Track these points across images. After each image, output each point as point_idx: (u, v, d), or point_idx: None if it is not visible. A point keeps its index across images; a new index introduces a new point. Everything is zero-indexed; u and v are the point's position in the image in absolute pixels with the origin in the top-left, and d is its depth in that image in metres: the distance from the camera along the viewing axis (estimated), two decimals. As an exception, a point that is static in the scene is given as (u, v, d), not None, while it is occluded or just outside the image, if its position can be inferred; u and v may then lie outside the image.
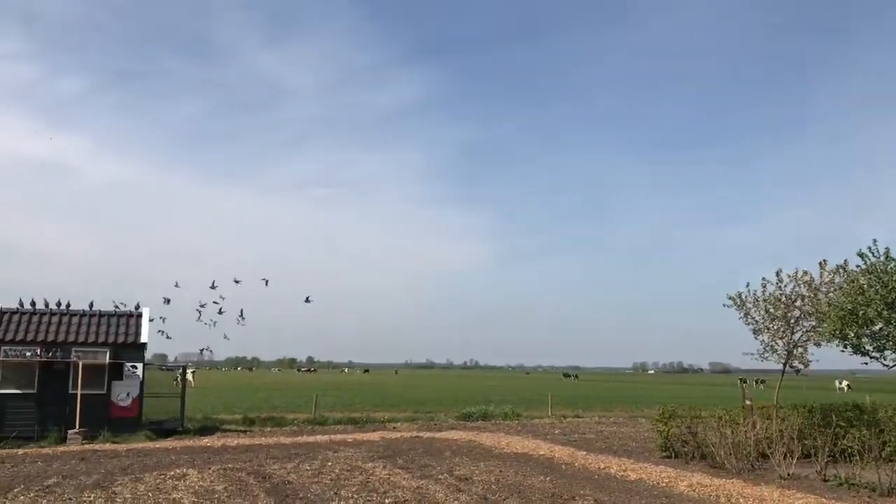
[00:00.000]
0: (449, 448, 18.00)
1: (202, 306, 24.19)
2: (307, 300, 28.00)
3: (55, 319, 20.72)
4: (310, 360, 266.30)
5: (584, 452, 17.38)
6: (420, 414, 29.73)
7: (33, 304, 20.90)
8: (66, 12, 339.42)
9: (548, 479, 13.42)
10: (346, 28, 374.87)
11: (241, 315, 24.07)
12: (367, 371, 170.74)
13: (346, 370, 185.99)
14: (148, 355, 21.42)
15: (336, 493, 11.56)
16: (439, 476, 13.39)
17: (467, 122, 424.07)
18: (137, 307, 21.94)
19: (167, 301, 23.89)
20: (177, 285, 24.33)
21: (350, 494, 11.49)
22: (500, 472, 14.11)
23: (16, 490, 11.78)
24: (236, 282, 25.58)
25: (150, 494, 11.42)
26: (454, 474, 13.66)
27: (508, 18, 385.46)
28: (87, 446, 18.16)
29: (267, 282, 27.38)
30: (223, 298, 24.20)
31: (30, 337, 19.89)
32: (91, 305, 21.49)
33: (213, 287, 24.14)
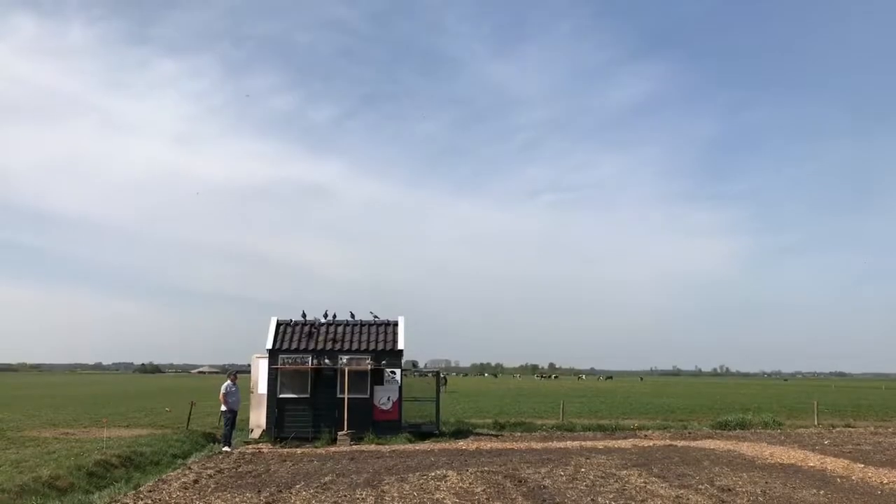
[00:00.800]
0: (707, 457, 17.15)
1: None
2: None
3: (323, 330, 22.65)
4: (551, 366, 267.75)
5: (862, 465, 15.77)
6: (671, 422, 28.70)
7: (304, 315, 22.98)
8: (316, 43, 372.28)
9: (821, 492, 12.35)
10: (573, 29, 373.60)
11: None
12: (610, 378, 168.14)
13: (583, 377, 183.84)
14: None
15: (593, 500, 11.44)
16: (699, 486, 12.81)
17: (707, 113, 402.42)
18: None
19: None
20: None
21: (607, 501, 11.33)
22: (766, 483, 13.21)
23: (298, 486, 12.97)
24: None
25: (415, 494, 12.04)
26: (715, 484, 12.99)
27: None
28: (354, 447, 19.59)
29: None
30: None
31: (303, 346, 21.91)
32: (352, 316, 23.23)
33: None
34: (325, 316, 23.09)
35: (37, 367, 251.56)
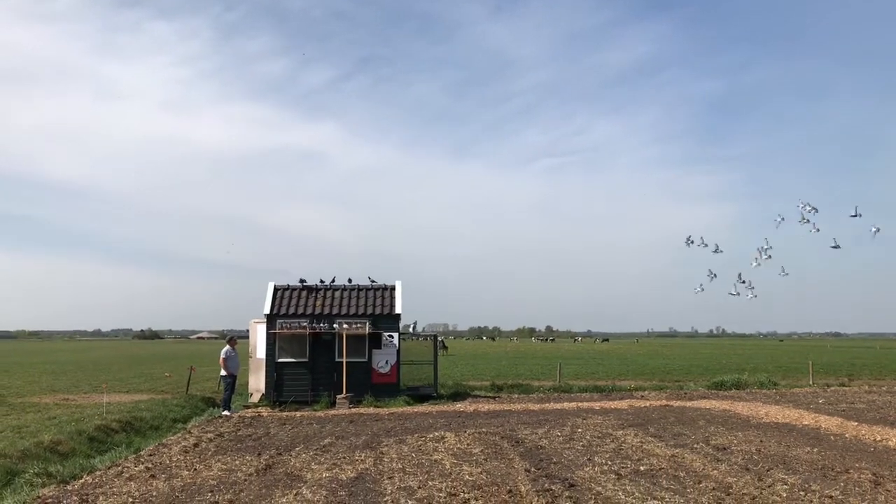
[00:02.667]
0: (703, 417, 17.34)
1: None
2: None
3: (321, 294, 22.69)
4: (548, 329, 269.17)
5: (856, 423, 15.91)
6: (667, 383, 28.94)
7: (302, 280, 22.99)
8: (311, 6, 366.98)
9: (815, 450, 12.47)
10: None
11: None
12: (606, 340, 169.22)
13: (579, 339, 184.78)
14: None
15: (589, 459, 11.56)
16: (695, 445, 12.94)
17: (707, 75, 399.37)
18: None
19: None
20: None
21: (603, 461, 11.44)
22: (761, 441, 13.34)
23: (297, 449, 13.09)
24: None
25: (414, 455, 12.15)
26: (710, 443, 13.13)
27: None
28: (353, 410, 19.74)
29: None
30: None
31: (300, 310, 21.97)
32: (350, 281, 23.24)
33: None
34: (323, 281, 23.11)
35: (36, 334, 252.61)
